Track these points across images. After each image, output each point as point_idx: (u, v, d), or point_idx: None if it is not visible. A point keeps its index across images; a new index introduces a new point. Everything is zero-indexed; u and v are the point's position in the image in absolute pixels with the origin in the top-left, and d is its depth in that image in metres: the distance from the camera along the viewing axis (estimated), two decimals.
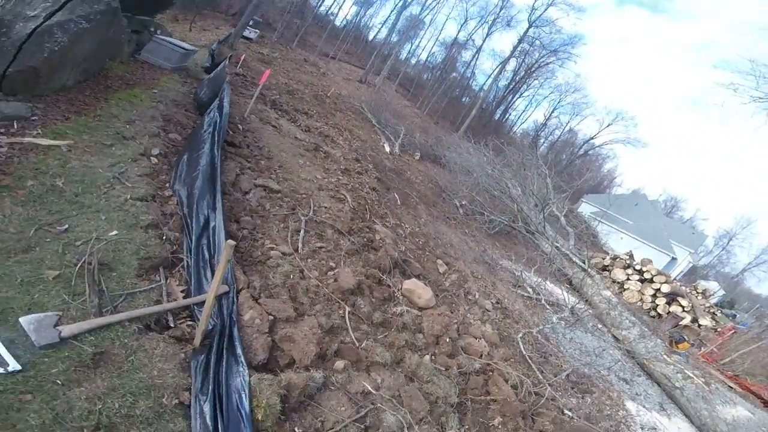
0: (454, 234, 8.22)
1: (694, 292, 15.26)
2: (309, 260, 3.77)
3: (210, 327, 2.28)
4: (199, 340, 2.23)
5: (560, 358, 5.14)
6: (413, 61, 45.98)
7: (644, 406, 5.43)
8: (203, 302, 2.26)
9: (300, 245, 3.89)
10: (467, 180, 11.88)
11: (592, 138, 44.42)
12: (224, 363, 2.19)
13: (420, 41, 44.14)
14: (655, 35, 74.27)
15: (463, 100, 44.17)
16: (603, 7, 64.18)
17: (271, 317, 2.68)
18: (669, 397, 6.30)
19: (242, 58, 12.22)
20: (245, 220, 3.78)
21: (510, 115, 47.31)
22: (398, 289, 4.23)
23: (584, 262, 10.12)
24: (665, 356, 7.15)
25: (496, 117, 44.31)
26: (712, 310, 15.39)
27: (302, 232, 4.11)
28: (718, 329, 13.56)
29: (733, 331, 13.75)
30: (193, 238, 3.03)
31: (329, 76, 22.47)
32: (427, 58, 45.61)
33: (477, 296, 5.48)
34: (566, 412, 3.82)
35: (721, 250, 51.31)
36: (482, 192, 11.50)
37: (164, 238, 2.93)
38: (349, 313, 3.30)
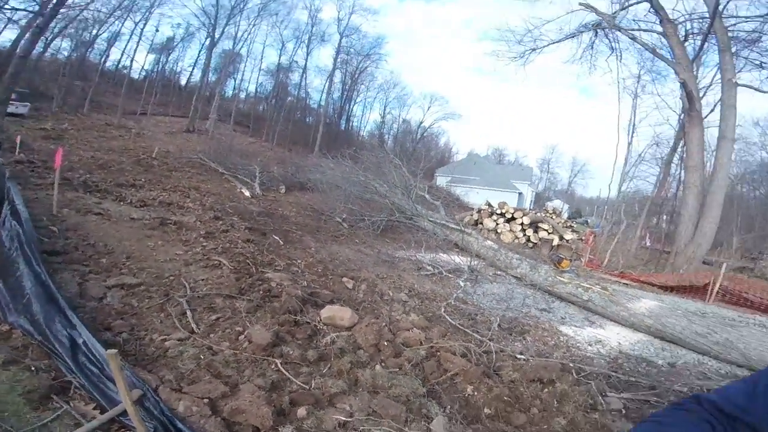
0: (347, 248, 8.24)
1: (548, 215, 18.22)
2: (212, 335, 3.42)
3: (152, 429, 2.11)
4: None
5: (484, 314, 5.53)
6: (242, 95, 44.54)
7: (576, 326, 5.95)
8: (125, 411, 2.10)
9: (194, 325, 3.47)
10: (339, 195, 12.07)
11: (421, 123, 50.75)
12: None
13: (243, 74, 42.88)
14: (435, 20, 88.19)
15: (307, 120, 44.80)
16: (390, 6, 73.67)
17: (206, 399, 2.44)
18: (587, 311, 6.90)
19: (18, 140, 9.94)
20: (118, 324, 3.26)
21: (352, 122, 50.11)
22: (318, 321, 4.03)
23: (459, 224, 11.36)
24: (560, 278, 8.08)
25: (342, 127, 46.34)
26: (568, 224, 18.62)
27: (188, 312, 3.66)
28: (582, 238, 16.14)
29: (593, 235, 16.53)
30: (68, 360, 2.57)
31: (146, 134, 20.15)
32: (257, 89, 44.62)
33: (391, 294, 5.58)
34: (519, 356, 4.06)
35: (548, 174, 65.63)
36: (355, 200, 11.82)
37: (33, 369, 2.51)
38: (282, 363, 3.08)
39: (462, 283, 7.08)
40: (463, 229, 10.93)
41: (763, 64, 14.38)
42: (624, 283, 10.36)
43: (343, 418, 2.54)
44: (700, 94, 15.43)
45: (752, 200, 29.36)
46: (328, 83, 39.76)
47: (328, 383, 2.93)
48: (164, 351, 3.00)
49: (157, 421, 2.17)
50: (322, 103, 41.35)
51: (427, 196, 14.27)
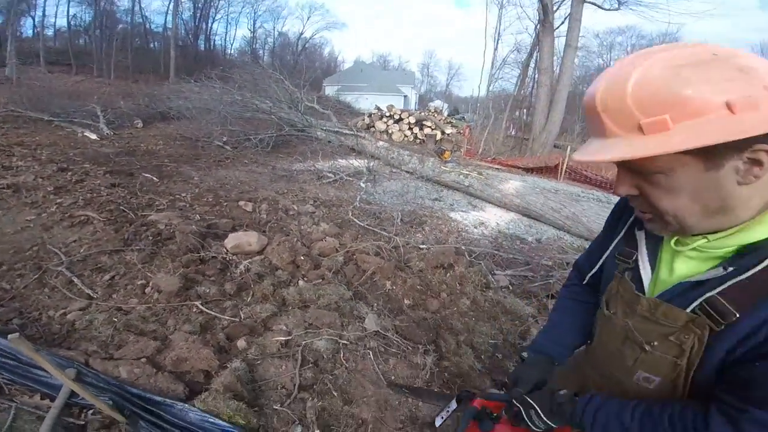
0: (237, 171, 7.60)
1: (431, 113, 19.12)
2: (114, 296, 3.04)
3: (111, 402, 1.99)
4: (120, 415, 1.99)
5: (387, 211, 5.76)
6: (50, 32, 34.61)
7: (462, 211, 6.48)
8: (73, 393, 2.00)
9: (89, 291, 3.02)
10: (213, 118, 10.67)
11: (301, 34, 46.11)
12: (165, 413, 1.98)
13: (44, 9, 33.10)
14: None
15: (152, 46, 37.44)
16: None
17: (143, 359, 2.30)
18: (469, 196, 7.52)
19: None
20: (1, 312, 2.74)
21: (214, 41, 43.25)
22: (226, 253, 3.79)
23: (352, 130, 11.27)
24: (444, 168, 8.79)
25: (202, 48, 39.92)
26: (448, 121, 19.85)
27: (75, 279, 3.14)
28: (460, 131, 17.71)
29: (469, 128, 18.25)
30: None
31: None
32: (70, 22, 34.85)
33: (296, 208, 5.46)
34: (421, 246, 4.39)
35: (428, 78, 68.78)
36: (235, 121, 10.62)
37: None
38: (202, 304, 2.91)
39: (363, 185, 7.24)
40: (356, 133, 10.91)
41: None
42: (495, 168, 12.03)
43: (283, 338, 2.57)
44: (554, 8, 17.47)
45: None
46: (172, 3, 33.05)
47: (256, 310, 2.88)
48: (71, 325, 2.67)
49: (111, 393, 2.08)
50: (169, 25, 34.71)
51: (316, 106, 13.56)
